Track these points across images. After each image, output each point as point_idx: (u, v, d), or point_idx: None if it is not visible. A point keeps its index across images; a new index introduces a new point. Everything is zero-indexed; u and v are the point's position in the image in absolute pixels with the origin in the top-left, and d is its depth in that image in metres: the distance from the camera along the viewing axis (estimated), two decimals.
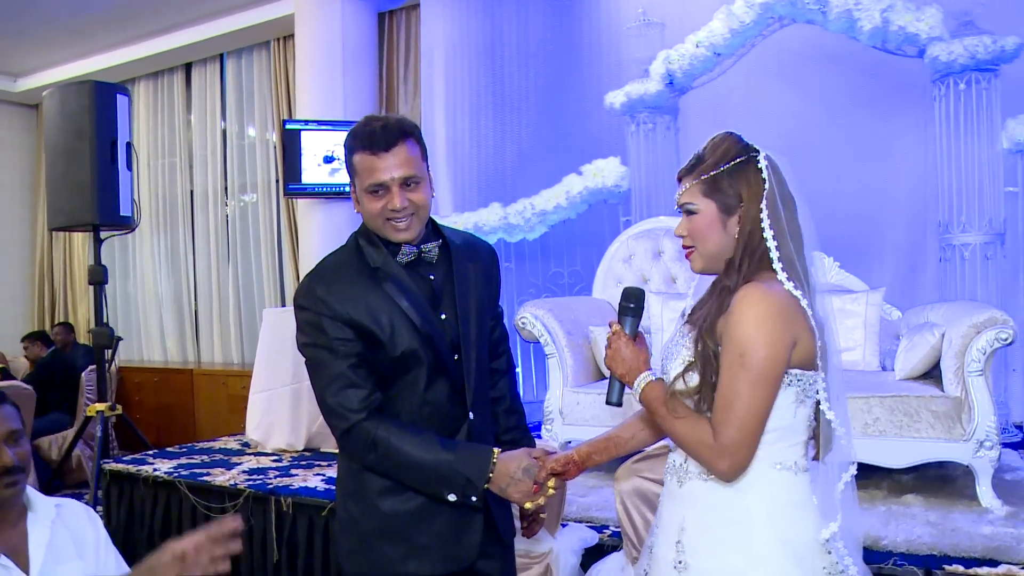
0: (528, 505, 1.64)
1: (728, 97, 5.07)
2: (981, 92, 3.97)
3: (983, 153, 3.99)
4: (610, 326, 1.62)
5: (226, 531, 1.55)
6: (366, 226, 1.70)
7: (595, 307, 4.17)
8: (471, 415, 1.70)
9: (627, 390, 1.60)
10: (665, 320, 4.00)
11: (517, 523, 1.87)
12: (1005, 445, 3.22)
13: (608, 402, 1.62)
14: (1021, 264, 4.16)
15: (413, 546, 1.65)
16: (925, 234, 4.66)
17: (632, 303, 1.62)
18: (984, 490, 2.83)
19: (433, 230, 1.74)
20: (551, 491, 1.63)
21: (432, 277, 1.70)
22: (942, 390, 2.94)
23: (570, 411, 3.58)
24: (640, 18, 4.91)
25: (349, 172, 1.68)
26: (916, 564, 2.38)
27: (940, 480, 3.14)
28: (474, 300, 1.72)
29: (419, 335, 1.63)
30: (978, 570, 2.33)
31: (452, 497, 1.60)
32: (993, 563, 2.36)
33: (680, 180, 1.56)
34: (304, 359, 1.67)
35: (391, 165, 1.61)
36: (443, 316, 1.68)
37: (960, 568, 2.34)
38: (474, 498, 1.60)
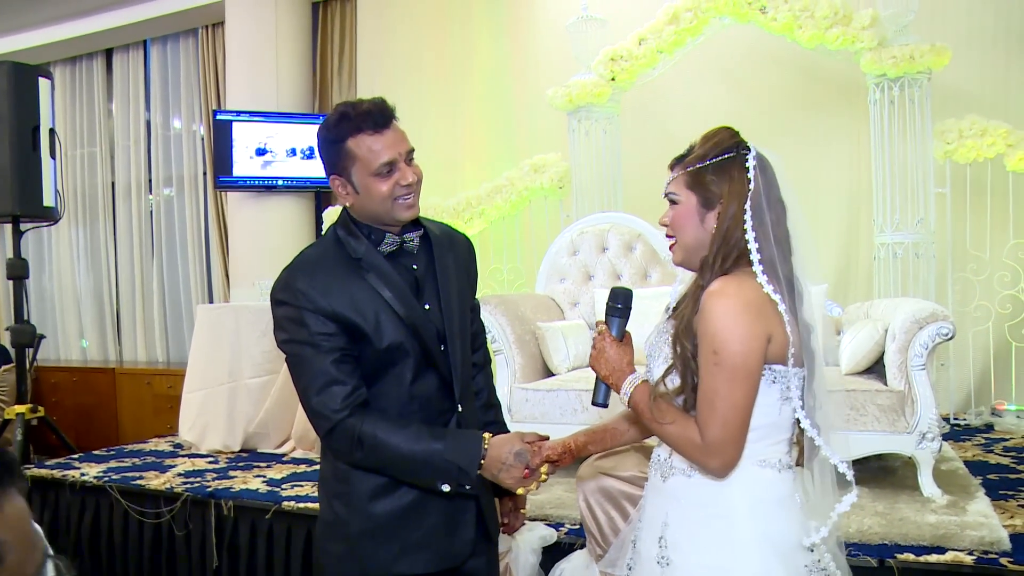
0: (520, 491, 1.60)
1: (668, 95, 5.12)
2: (914, 97, 4.11)
3: (916, 155, 4.13)
4: (596, 326, 1.60)
5: None
6: (351, 216, 1.65)
7: (540, 303, 4.14)
8: (459, 407, 1.66)
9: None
10: None
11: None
12: None
13: (594, 403, 1.59)
14: (950, 263, 4.32)
15: (405, 545, 1.60)
16: (859, 232, 4.81)
17: (619, 303, 1.60)
18: (926, 480, 2.92)
19: (412, 220, 1.69)
20: (543, 477, 1.59)
21: (415, 267, 1.66)
22: (885, 384, 3.02)
23: (518, 408, 3.55)
24: (583, 14, 4.90)
25: (341, 161, 1.60)
26: (869, 554, 2.43)
27: (882, 472, 3.23)
28: (455, 291, 1.68)
29: (404, 326, 1.58)
30: (928, 557, 2.40)
31: (446, 487, 1.55)
32: (941, 550, 2.44)
33: (671, 170, 1.55)
34: (284, 356, 1.60)
35: (395, 140, 1.59)
36: (427, 307, 1.64)
37: (911, 556, 2.41)
38: (468, 487, 1.56)
